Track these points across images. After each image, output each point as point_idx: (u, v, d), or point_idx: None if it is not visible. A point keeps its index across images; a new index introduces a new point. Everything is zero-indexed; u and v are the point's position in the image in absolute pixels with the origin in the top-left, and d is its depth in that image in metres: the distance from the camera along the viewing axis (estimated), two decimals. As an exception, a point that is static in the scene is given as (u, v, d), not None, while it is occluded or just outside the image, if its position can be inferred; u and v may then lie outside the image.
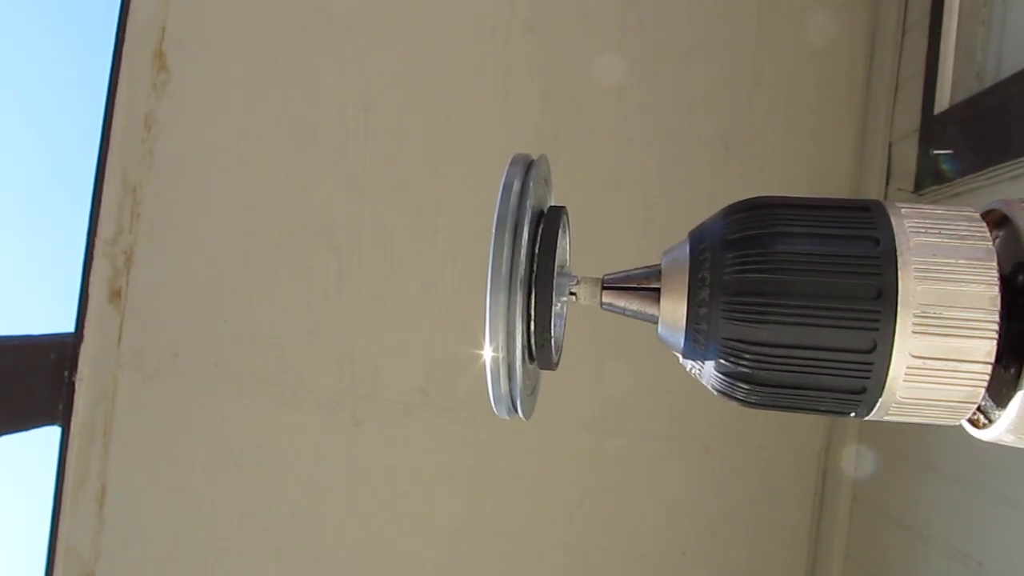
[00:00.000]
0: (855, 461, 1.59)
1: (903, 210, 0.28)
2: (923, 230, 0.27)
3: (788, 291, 0.26)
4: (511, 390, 0.24)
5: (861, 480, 1.58)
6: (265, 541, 1.74)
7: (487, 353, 0.24)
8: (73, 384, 1.67)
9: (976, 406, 0.28)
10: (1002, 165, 1.20)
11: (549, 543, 1.74)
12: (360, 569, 1.74)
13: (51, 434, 1.66)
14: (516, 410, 0.25)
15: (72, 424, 1.67)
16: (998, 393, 0.28)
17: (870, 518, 1.56)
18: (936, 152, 1.40)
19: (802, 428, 1.71)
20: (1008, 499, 1.14)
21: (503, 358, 0.23)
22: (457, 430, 1.72)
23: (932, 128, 1.44)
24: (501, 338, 0.23)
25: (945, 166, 1.38)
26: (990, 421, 0.29)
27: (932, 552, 1.32)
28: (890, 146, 1.60)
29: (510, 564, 1.74)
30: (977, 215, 0.28)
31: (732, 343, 0.27)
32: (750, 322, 0.27)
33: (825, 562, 1.65)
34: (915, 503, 1.41)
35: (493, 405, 0.24)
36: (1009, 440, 0.29)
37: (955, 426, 0.30)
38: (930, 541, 1.33)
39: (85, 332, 1.69)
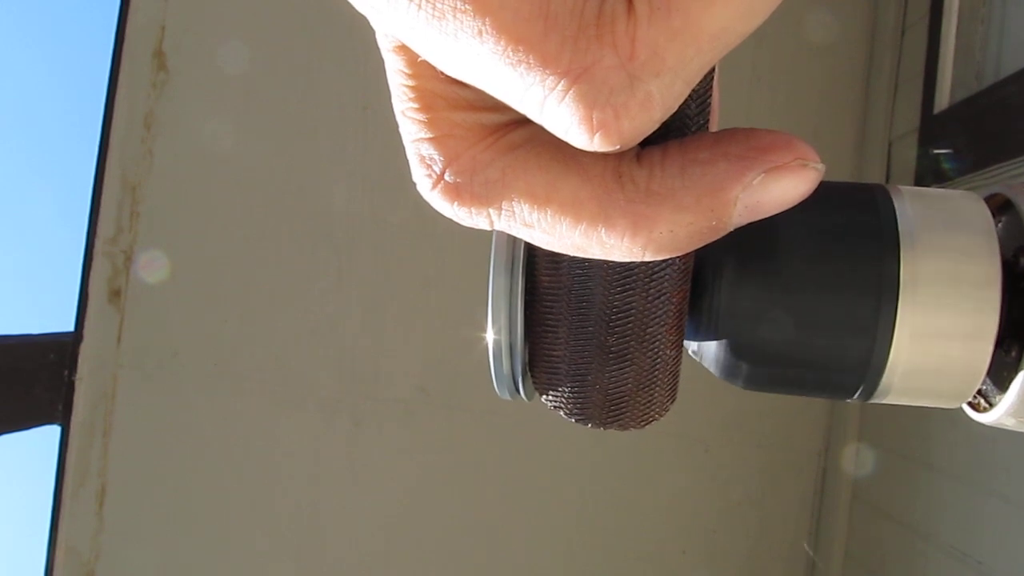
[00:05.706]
0: (855, 460, 1.59)
1: (905, 193, 0.28)
2: (925, 213, 0.27)
3: (790, 274, 0.27)
4: (513, 369, 0.24)
5: (861, 479, 1.58)
6: (265, 541, 1.74)
7: (489, 335, 0.24)
8: (73, 384, 1.67)
9: (977, 389, 0.28)
10: (1002, 164, 1.20)
11: (549, 541, 1.74)
12: (360, 569, 1.74)
13: (50, 433, 1.66)
14: (518, 390, 0.25)
15: (72, 424, 1.67)
16: (998, 376, 0.28)
17: (870, 517, 1.56)
18: (936, 151, 1.41)
19: (802, 427, 1.71)
20: (1009, 498, 1.14)
21: (505, 339, 0.24)
22: (458, 428, 1.72)
23: (932, 127, 1.44)
24: (503, 319, 0.23)
25: (945, 165, 1.38)
26: (991, 404, 0.29)
27: (932, 551, 1.32)
28: (890, 145, 1.60)
29: (510, 562, 1.74)
30: (980, 199, 0.28)
31: (735, 325, 0.27)
32: (754, 303, 0.27)
33: (825, 560, 1.65)
34: (915, 502, 1.41)
35: (495, 386, 0.25)
36: (1009, 423, 0.29)
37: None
38: (930, 540, 1.33)
39: (85, 332, 1.69)
